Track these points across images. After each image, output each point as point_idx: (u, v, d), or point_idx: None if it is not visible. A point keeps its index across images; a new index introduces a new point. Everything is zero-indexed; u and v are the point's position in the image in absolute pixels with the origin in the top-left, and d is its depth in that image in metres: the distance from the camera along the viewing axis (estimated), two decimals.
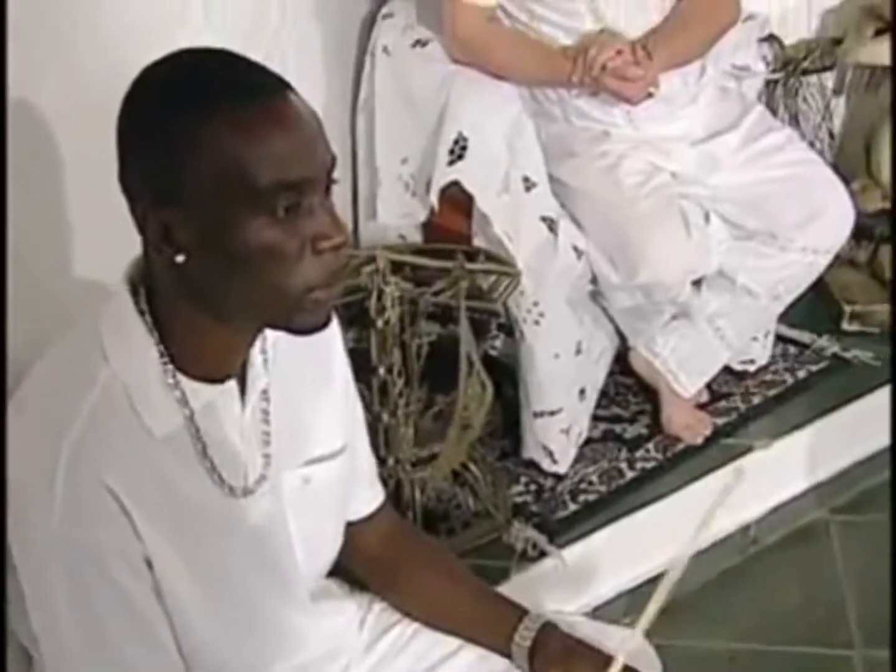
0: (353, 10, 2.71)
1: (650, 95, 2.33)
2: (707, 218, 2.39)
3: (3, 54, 1.42)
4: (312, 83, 2.58)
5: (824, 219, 2.39)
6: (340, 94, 2.66)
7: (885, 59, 2.72)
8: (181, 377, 1.24)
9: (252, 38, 2.24)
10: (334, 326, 1.39)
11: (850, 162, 2.99)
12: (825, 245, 2.42)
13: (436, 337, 2.02)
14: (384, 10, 2.60)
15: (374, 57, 2.54)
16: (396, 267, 2.01)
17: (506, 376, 2.47)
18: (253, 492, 1.31)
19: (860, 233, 2.84)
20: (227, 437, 1.28)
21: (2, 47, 1.42)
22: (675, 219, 2.30)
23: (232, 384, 1.28)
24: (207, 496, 1.27)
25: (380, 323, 1.84)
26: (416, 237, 2.52)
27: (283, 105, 1.16)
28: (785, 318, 2.68)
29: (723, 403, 2.64)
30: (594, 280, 2.39)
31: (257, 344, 1.31)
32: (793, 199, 2.38)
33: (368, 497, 1.53)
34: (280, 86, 1.18)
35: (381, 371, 1.88)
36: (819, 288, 2.81)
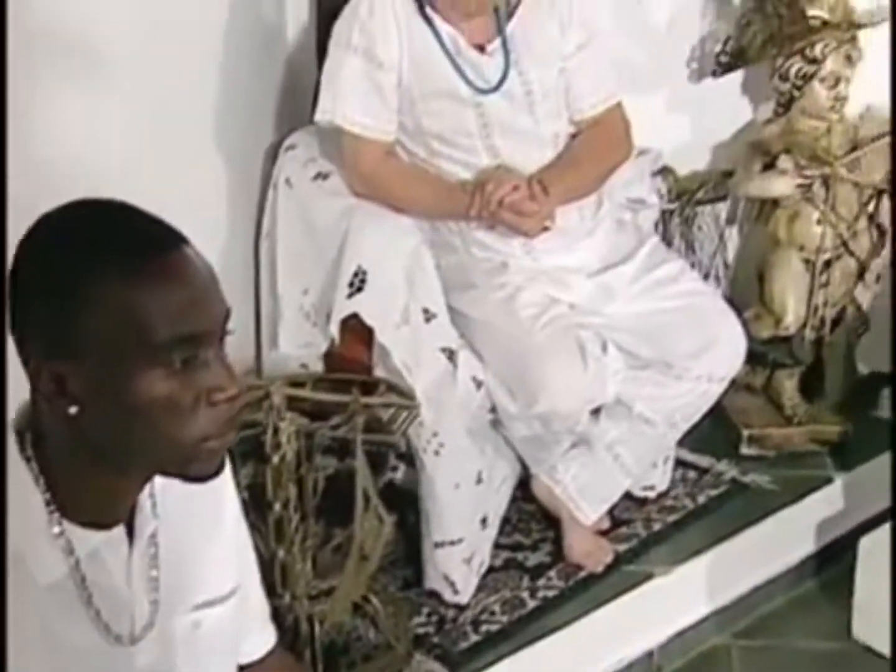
0: (257, 141, 2.77)
1: (546, 229, 2.41)
2: (604, 347, 2.45)
3: (3, 56, 1.40)
4: (217, 212, 2.63)
5: (718, 348, 2.46)
6: (244, 222, 2.70)
7: (773, 193, 2.83)
8: (67, 524, 1.24)
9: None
10: (226, 470, 1.40)
11: (743, 290, 3.09)
12: (719, 373, 2.49)
13: (333, 470, 2.03)
14: (287, 142, 2.66)
15: (277, 188, 2.59)
16: (294, 399, 2.04)
17: (408, 504, 2.48)
18: (140, 639, 1.30)
19: (755, 359, 2.92)
20: (113, 584, 1.27)
21: (2, 49, 1.40)
22: (572, 349, 2.36)
23: (120, 530, 1.28)
24: (93, 645, 1.26)
25: (275, 459, 1.86)
26: (317, 366, 2.54)
27: (179, 259, 1.19)
28: (685, 441, 2.74)
29: (624, 530, 2.66)
30: (494, 409, 2.42)
31: (146, 488, 1.32)
32: (687, 329, 2.45)
33: (260, 640, 1.52)
34: (175, 239, 1.20)
35: (277, 507, 1.89)
36: (717, 412, 2.88)
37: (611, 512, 2.66)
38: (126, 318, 1.15)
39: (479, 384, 2.38)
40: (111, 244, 1.18)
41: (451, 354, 2.37)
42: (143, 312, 1.15)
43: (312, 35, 2.94)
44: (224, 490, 1.43)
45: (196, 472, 1.23)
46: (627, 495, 2.67)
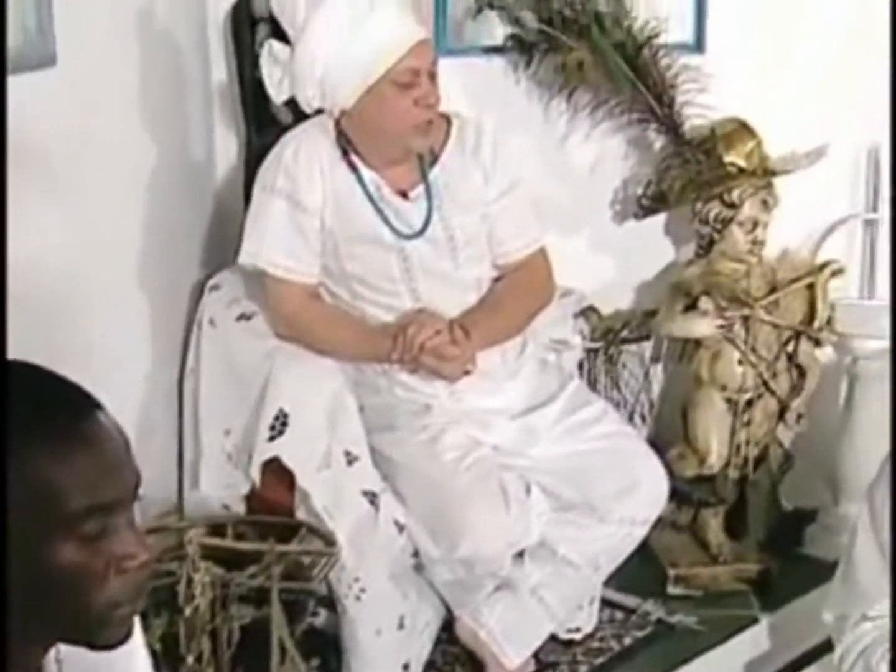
0: (182, 278, 2.79)
1: (467, 373, 2.44)
2: (528, 490, 2.46)
3: (3, 57, 1.38)
4: (140, 350, 2.64)
5: (640, 490, 2.48)
6: (168, 360, 2.71)
7: (694, 334, 2.89)
8: None
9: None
10: (136, 632, 1.38)
11: (668, 428, 3.12)
12: (642, 516, 2.50)
13: (250, 619, 2.01)
14: (212, 282, 2.69)
15: (201, 327, 2.61)
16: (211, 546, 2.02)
17: (330, 649, 2.45)
18: None
19: (680, 497, 2.94)
20: None
21: (2, 52, 1.38)
22: (495, 492, 2.37)
23: None
24: None
25: (188, 611, 1.83)
26: (239, 507, 2.53)
27: (92, 426, 1.18)
28: (612, 580, 2.73)
29: None
30: (416, 553, 2.41)
31: (51, 652, 1.30)
32: (609, 471, 2.47)
33: None
34: (88, 405, 1.19)
35: (190, 660, 1.86)
36: (643, 550, 2.89)
37: (536, 655, 2.63)
38: (37, 488, 1.14)
39: (401, 527, 2.38)
40: (22, 411, 1.16)
41: (372, 497, 2.36)
42: (54, 482, 1.14)
43: (241, 175, 2.99)
44: (134, 654, 1.41)
45: (105, 639, 1.22)
46: (553, 638, 2.65)
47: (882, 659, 2.23)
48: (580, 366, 2.96)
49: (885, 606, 2.25)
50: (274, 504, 2.44)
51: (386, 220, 2.42)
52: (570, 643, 2.72)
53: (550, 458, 2.48)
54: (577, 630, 2.72)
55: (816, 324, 2.93)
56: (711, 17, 3.02)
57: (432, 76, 2.38)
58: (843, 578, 2.39)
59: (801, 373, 2.97)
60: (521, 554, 2.50)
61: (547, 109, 3.05)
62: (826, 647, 2.41)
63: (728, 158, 2.86)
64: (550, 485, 2.48)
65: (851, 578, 2.33)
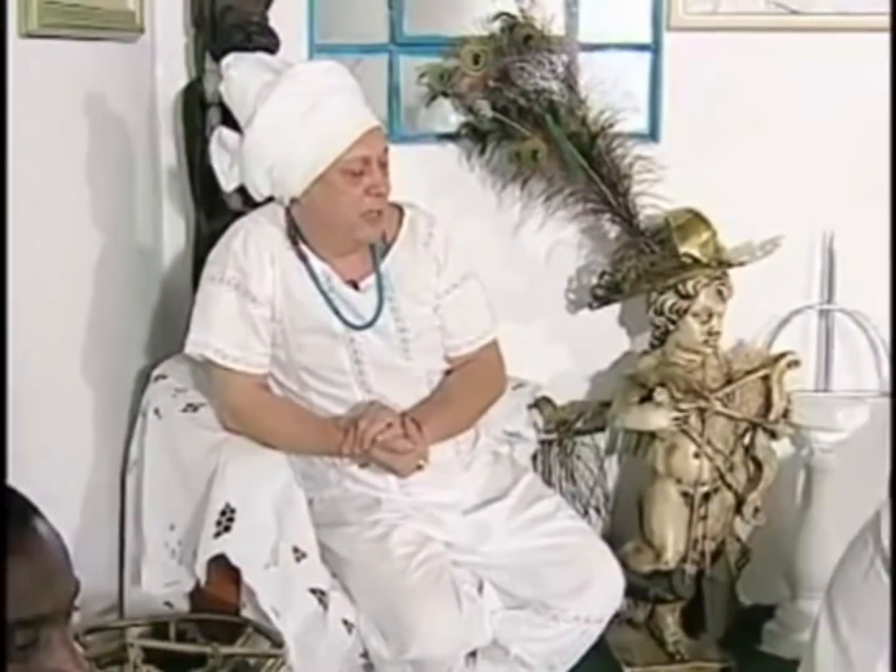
0: (127, 366, 2.78)
1: (420, 468, 2.44)
2: (480, 588, 2.46)
3: (3, 57, 1.35)
4: (83, 438, 2.61)
5: (595, 588, 2.48)
6: (111, 450, 2.69)
7: (649, 426, 2.92)
8: None
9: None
10: None
11: (624, 521, 3.14)
12: (596, 614, 2.50)
13: None
14: (157, 371, 2.68)
15: (146, 417, 2.60)
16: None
17: None
18: None
19: (636, 593, 2.95)
20: None
21: (2, 52, 1.36)
22: (447, 591, 2.35)
23: None
24: None
25: None
26: (182, 605, 2.50)
27: (27, 535, 1.16)
28: None
29: None
30: (366, 654, 2.39)
31: None
32: (563, 568, 2.47)
33: None
34: (24, 513, 1.18)
35: None
36: (599, 648, 2.88)
37: None
38: None
39: (350, 627, 2.36)
40: None
41: (321, 595, 2.35)
42: None
43: (189, 261, 3.01)
44: None
45: None
46: None
47: None
48: (534, 458, 2.98)
49: None
50: (219, 602, 2.41)
51: (336, 311, 2.44)
52: None
53: (503, 554, 2.48)
54: None
55: (772, 416, 2.97)
56: (666, 106, 3.11)
57: (383, 165, 2.42)
58: None
59: (758, 465, 3.00)
60: (473, 654, 2.48)
61: (501, 197, 3.10)
62: None
63: (683, 249, 2.92)
64: (503, 582, 2.48)
65: None
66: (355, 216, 2.39)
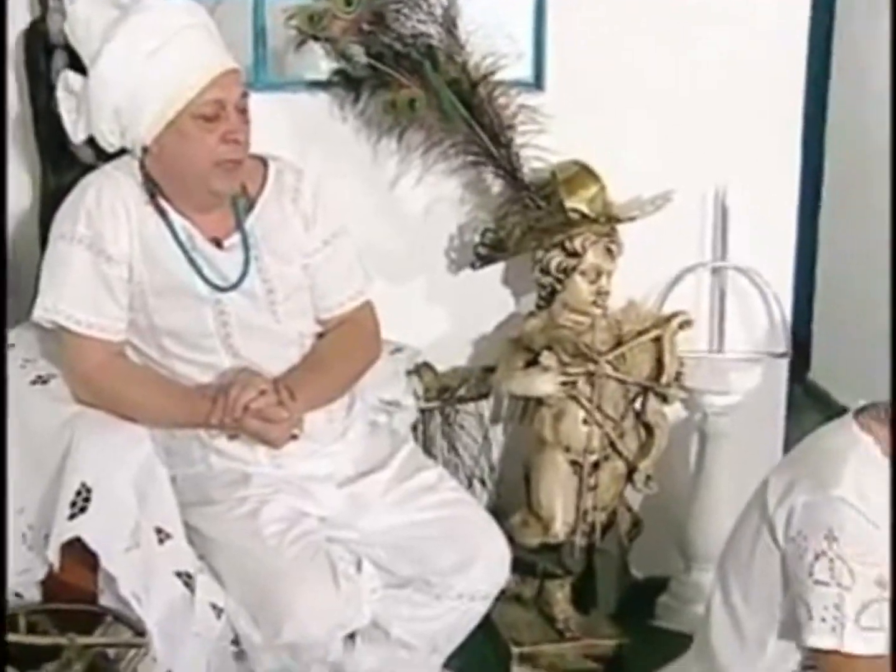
0: None
1: (294, 437, 2.42)
2: (358, 566, 2.45)
3: (3, 57, 1.29)
4: None
5: (479, 563, 2.49)
6: None
7: (535, 391, 2.93)
8: None
9: None
10: None
11: (510, 493, 3.15)
12: (482, 590, 2.51)
13: None
14: None
15: None
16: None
17: None
18: None
19: (524, 568, 2.97)
20: None
21: (2, 51, 1.30)
22: (323, 569, 2.34)
23: None
24: None
25: None
26: (34, 594, 2.45)
27: None
28: (451, 663, 2.73)
29: None
30: (237, 640, 2.37)
31: None
32: (446, 543, 2.47)
33: None
34: None
35: None
36: (486, 627, 2.90)
37: None
38: None
39: (219, 612, 2.34)
40: None
41: (187, 579, 2.32)
42: None
43: (35, 218, 2.92)
44: None
45: None
46: None
47: None
48: (414, 428, 2.98)
49: None
50: (74, 590, 2.36)
51: (199, 271, 2.40)
52: None
53: (382, 529, 2.47)
54: None
55: (664, 379, 3.00)
56: (551, 53, 3.10)
57: (241, 110, 2.38)
58: (697, 654, 2.45)
59: (650, 431, 3.03)
60: (352, 636, 2.48)
61: (376, 150, 3.07)
62: None
63: (570, 204, 2.92)
64: (383, 559, 2.47)
65: (706, 654, 2.39)
66: (209, 166, 2.35)
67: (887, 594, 2.15)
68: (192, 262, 2.40)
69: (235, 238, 2.44)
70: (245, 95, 2.39)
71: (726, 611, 2.35)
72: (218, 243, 2.44)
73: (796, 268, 3.41)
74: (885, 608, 2.15)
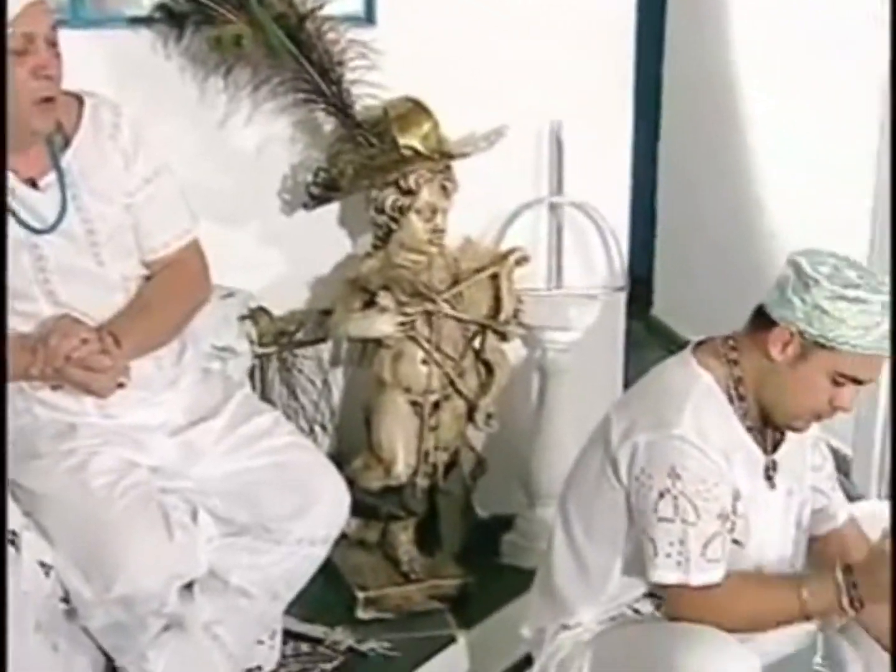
0: None
1: (121, 386, 2.36)
2: (194, 515, 2.40)
3: (3, 57, 1.46)
4: None
5: (318, 507, 2.46)
6: None
7: (373, 333, 2.91)
8: None
9: None
10: None
11: (351, 437, 3.13)
12: (321, 534, 2.48)
13: None
14: None
15: None
16: None
17: None
18: None
19: (367, 512, 2.96)
20: None
21: (2, 50, 1.47)
22: (155, 519, 2.29)
23: None
24: None
25: None
26: None
27: None
28: (294, 609, 2.72)
29: None
30: (67, 598, 2.32)
31: None
32: (283, 488, 2.44)
33: None
34: None
35: None
36: (329, 573, 2.89)
37: None
38: None
39: (47, 570, 2.28)
40: None
41: (13, 537, 2.25)
42: None
43: None
44: None
45: None
46: None
47: (581, 668, 2.31)
48: (251, 374, 2.94)
49: (583, 616, 2.34)
50: None
51: (14, 213, 2.31)
52: None
53: (217, 477, 2.43)
54: (259, 668, 2.68)
55: (502, 317, 3.01)
56: None
57: (51, 44, 2.29)
58: (540, 590, 2.47)
59: (489, 370, 3.04)
60: (189, 587, 2.44)
61: (202, 88, 3.00)
62: (528, 662, 2.48)
63: (402, 141, 2.90)
64: (219, 507, 2.43)
65: (549, 590, 2.41)
66: (26, 103, 2.26)
67: (728, 527, 2.20)
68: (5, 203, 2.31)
69: (51, 177, 2.35)
70: (55, 28, 2.30)
71: (568, 545, 2.38)
72: (33, 183, 2.35)
73: (635, 203, 3.45)
74: (727, 541, 2.20)
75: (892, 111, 3.19)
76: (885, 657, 2.31)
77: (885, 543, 2.14)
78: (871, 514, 2.49)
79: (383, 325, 2.90)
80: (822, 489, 2.41)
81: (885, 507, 2.71)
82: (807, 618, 2.22)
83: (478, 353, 3.04)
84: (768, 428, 2.30)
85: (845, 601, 2.14)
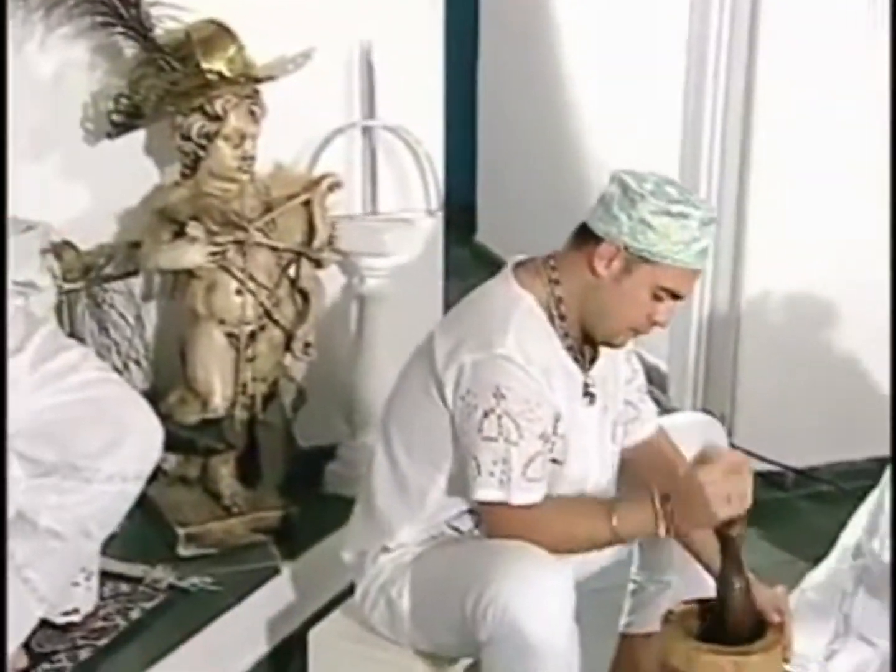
0: None
1: None
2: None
3: (3, 57, 1.42)
4: None
5: (129, 441, 2.39)
6: None
7: (184, 264, 2.84)
8: None
9: None
10: None
11: (167, 372, 3.08)
12: (133, 470, 2.42)
13: None
14: None
15: None
16: None
17: None
18: None
19: (185, 447, 2.93)
20: None
21: (2, 50, 1.47)
22: None
23: None
24: None
25: None
26: None
27: None
28: (113, 549, 2.68)
29: (46, 665, 2.53)
30: None
31: None
32: (92, 424, 2.37)
33: None
34: None
35: None
36: (149, 510, 2.85)
37: (27, 646, 2.53)
38: None
39: None
40: None
41: None
42: None
43: None
44: None
45: None
46: (46, 623, 2.55)
47: (402, 588, 2.33)
48: (58, 311, 2.86)
49: (403, 536, 2.35)
50: None
51: None
52: (67, 627, 2.63)
53: (22, 417, 2.35)
54: (75, 611, 2.63)
55: (317, 243, 2.98)
56: None
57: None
58: (361, 514, 2.48)
59: (305, 298, 3.02)
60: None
61: None
62: (353, 589, 2.49)
63: (207, 65, 2.84)
64: (24, 448, 2.35)
65: (369, 512, 2.42)
66: None
67: (549, 447, 2.23)
68: None
69: None
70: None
71: (389, 465, 2.39)
72: None
73: (454, 128, 3.44)
74: (547, 461, 2.24)
75: (892, 110, 3.25)
76: (700, 569, 2.39)
77: (699, 470, 2.19)
78: (682, 425, 2.55)
79: (194, 255, 2.84)
80: (632, 401, 2.46)
81: (696, 417, 2.78)
82: (619, 542, 2.27)
83: (293, 282, 3.01)
84: (587, 346, 2.34)
85: (662, 530, 2.20)
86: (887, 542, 2.50)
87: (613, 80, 4.12)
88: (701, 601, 2.29)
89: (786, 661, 2.26)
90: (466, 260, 4.73)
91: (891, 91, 3.00)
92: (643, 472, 2.42)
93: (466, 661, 2.41)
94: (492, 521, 2.27)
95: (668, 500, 2.19)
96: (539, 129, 4.79)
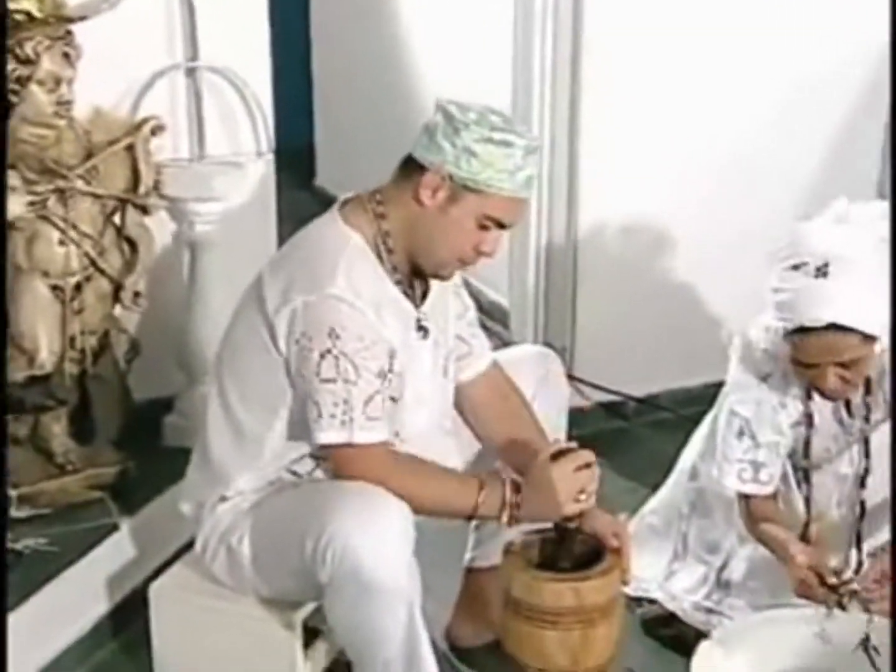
0: None
1: None
2: None
3: (3, 57, 1.43)
4: None
5: None
6: None
7: None
8: None
9: None
10: None
11: None
12: None
13: None
14: None
15: None
16: None
17: None
18: None
19: (13, 406, 2.84)
20: None
21: (2, 51, 1.47)
22: None
23: None
24: None
25: None
26: None
27: None
28: None
29: None
30: None
31: None
32: None
33: None
34: None
35: None
36: None
37: None
38: None
39: None
40: None
41: None
42: None
43: None
44: None
45: None
46: None
47: (242, 536, 2.31)
48: None
49: (240, 484, 2.32)
50: None
51: None
52: None
53: None
54: None
55: (142, 189, 2.92)
56: None
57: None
58: (197, 464, 2.44)
59: (133, 246, 2.95)
60: None
61: None
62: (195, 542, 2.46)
63: (14, 5, 2.71)
64: None
65: (206, 462, 2.39)
66: None
67: (387, 385, 2.22)
68: None
69: None
70: None
71: (223, 414, 2.35)
72: None
73: (287, 70, 3.39)
74: (386, 399, 2.23)
75: (892, 109, 3.24)
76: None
77: (553, 466, 2.21)
78: (518, 358, 2.56)
79: (12, 206, 2.74)
80: (464, 336, 2.46)
81: (532, 349, 2.79)
82: (469, 515, 2.28)
83: (119, 230, 2.93)
84: (417, 280, 2.33)
85: (505, 518, 2.23)
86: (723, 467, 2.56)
87: (444, 13, 4.10)
88: (540, 531, 2.31)
89: (625, 583, 2.29)
90: (307, 203, 4.67)
91: (891, 86, 3.05)
92: (501, 445, 2.43)
93: (311, 606, 2.39)
94: (338, 463, 2.25)
95: (518, 491, 2.22)
96: (375, 69, 4.75)
